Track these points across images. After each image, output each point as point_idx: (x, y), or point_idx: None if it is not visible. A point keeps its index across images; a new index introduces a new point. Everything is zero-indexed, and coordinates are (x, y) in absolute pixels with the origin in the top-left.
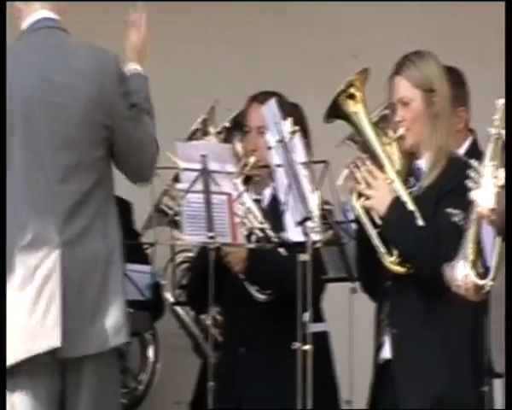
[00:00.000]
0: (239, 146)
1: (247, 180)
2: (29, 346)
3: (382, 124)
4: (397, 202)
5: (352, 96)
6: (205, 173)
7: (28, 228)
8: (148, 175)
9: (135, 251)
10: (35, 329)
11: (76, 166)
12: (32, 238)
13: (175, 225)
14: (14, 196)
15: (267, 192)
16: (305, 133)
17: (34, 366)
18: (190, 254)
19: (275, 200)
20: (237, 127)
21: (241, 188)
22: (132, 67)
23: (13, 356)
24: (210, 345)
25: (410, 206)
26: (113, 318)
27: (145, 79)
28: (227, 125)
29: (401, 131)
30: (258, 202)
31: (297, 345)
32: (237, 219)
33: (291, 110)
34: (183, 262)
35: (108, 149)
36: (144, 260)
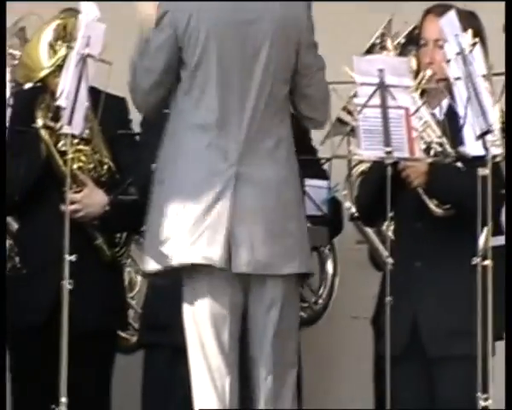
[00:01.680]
0: (413, 61)
1: (423, 94)
2: (197, 253)
3: None
4: None
5: None
6: (382, 87)
7: (209, 155)
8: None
9: (312, 166)
10: (201, 239)
11: (264, 91)
12: (213, 164)
13: (352, 139)
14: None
15: (444, 106)
16: (483, 43)
17: (213, 275)
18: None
19: (452, 113)
20: (412, 42)
21: (419, 102)
22: None
23: (179, 259)
24: (390, 258)
25: None
26: (291, 246)
27: None
28: (402, 40)
29: None
30: (434, 115)
31: (477, 260)
32: (415, 134)
33: (469, 21)
34: (362, 173)
35: (293, 73)
36: (322, 175)
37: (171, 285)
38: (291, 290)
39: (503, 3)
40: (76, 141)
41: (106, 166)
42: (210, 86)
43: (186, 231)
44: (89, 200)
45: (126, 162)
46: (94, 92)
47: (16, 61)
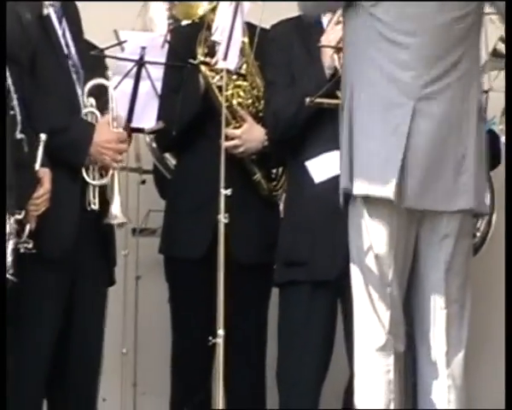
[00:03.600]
0: None
1: None
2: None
3: None
4: None
5: None
6: None
7: (389, 88)
8: None
9: None
10: (375, 173)
11: (445, 27)
12: (392, 97)
13: None
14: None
15: None
16: None
17: (383, 208)
18: None
19: None
20: None
21: None
22: None
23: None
24: None
25: None
26: (466, 181)
27: None
28: None
29: None
30: None
31: None
32: None
33: None
34: None
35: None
36: None
37: (308, 220)
38: (465, 225)
39: None
40: (235, 77)
41: (263, 102)
42: (391, 21)
43: (361, 164)
44: (248, 135)
45: None
46: (250, 27)
47: None
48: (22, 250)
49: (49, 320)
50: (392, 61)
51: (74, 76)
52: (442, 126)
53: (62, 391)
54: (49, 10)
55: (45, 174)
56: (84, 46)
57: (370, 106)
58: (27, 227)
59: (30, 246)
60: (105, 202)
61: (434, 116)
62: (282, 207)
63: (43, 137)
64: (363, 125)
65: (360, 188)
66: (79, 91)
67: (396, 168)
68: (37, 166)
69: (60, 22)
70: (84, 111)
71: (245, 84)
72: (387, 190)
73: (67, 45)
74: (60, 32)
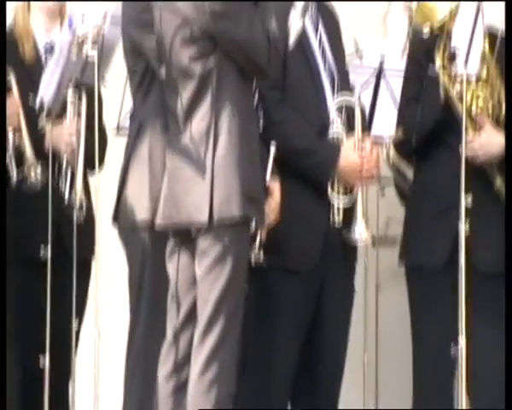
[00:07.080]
0: None
1: None
2: None
3: None
4: None
5: None
6: None
7: None
8: None
9: None
10: None
11: None
12: None
13: None
14: None
15: None
16: None
17: None
18: None
19: None
20: None
21: None
22: None
23: None
24: None
25: None
26: None
27: None
28: None
29: None
30: None
31: None
32: None
33: None
34: None
35: None
36: None
37: None
38: None
39: None
40: (475, 83)
41: (504, 107)
42: None
43: None
44: (488, 142)
45: None
46: (490, 35)
47: None
48: (253, 261)
49: (295, 326)
50: None
51: (328, 82)
52: None
53: (307, 394)
54: (304, 19)
55: (275, 185)
56: (341, 50)
57: None
58: (257, 238)
59: (261, 258)
60: (349, 214)
61: None
62: None
63: (273, 146)
64: None
65: None
66: (332, 102)
67: None
68: (268, 176)
69: (316, 29)
70: (330, 132)
71: (485, 90)
72: None
73: (323, 52)
74: (315, 43)
